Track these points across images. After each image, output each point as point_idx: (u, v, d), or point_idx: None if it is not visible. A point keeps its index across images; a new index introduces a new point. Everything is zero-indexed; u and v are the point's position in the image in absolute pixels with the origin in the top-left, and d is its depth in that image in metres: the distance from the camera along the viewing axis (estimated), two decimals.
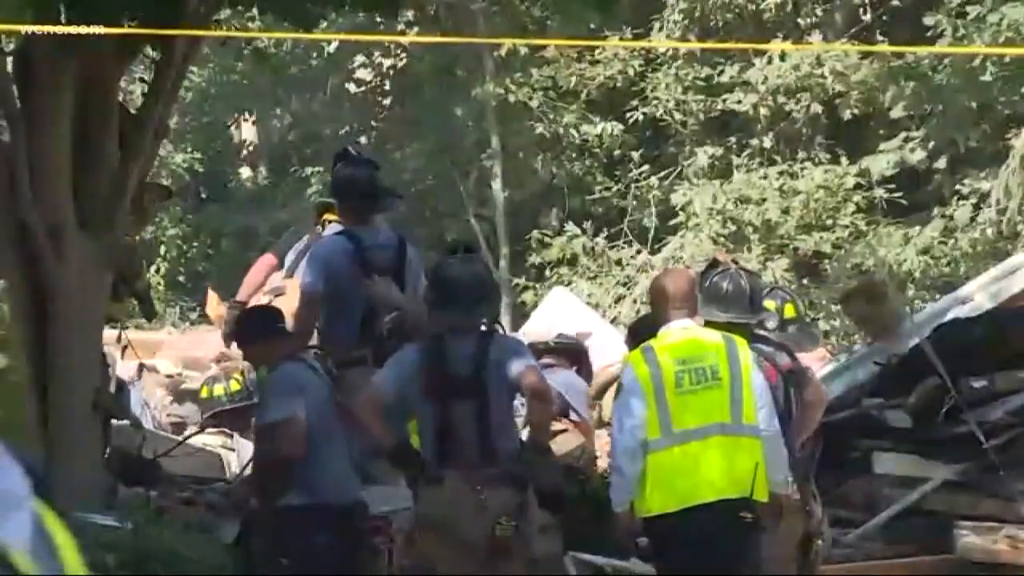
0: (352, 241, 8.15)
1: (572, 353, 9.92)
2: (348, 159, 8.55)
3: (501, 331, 7.29)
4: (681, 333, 7.11)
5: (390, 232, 8.54)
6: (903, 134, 20.00)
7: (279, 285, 9.22)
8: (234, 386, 10.24)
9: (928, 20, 19.04)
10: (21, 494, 1.95)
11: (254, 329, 7.62)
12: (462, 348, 6.92)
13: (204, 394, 10.42)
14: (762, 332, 7.71)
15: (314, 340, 8.27)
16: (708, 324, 7.31)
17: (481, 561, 6.81)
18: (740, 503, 6.88)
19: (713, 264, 7.67)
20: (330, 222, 8.95)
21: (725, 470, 6.90)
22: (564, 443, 8.92)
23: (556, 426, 8.99)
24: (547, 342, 9.94)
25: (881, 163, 19.87)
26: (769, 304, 7.95)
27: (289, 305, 8.79)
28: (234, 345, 8.21)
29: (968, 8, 18.75)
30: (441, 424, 6.88)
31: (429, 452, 6.92)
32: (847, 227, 19.50)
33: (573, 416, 9.38)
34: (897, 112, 19.87)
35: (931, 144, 19.74)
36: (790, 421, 7.29)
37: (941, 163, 19.90)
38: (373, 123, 25.41)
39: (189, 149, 24.63)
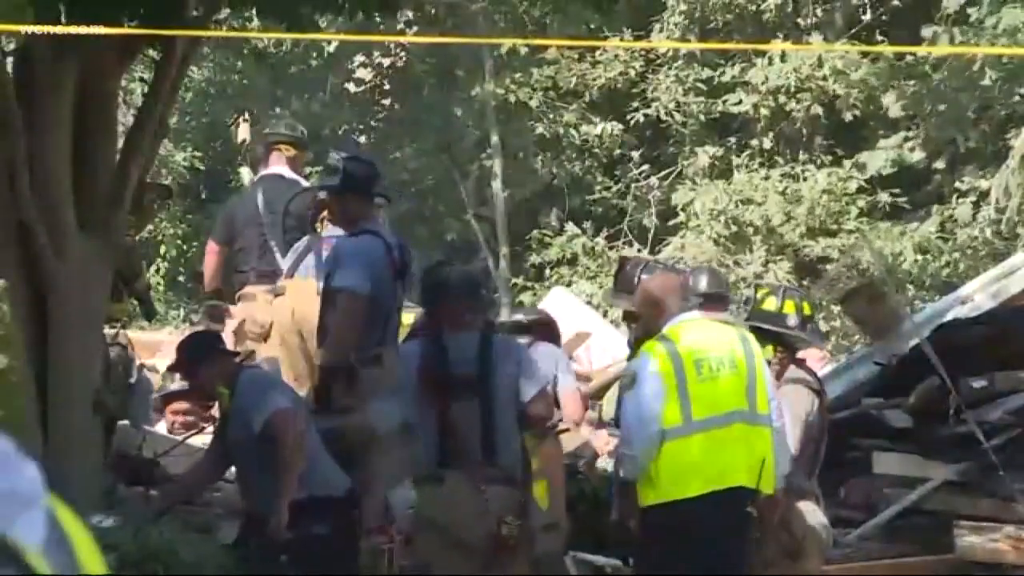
0: (384, 243, 8.05)
1: (543, 327, 9.86)
2: (352, 156, 8.52)
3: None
4: (695, 324, 7.13)
5: (392, 233, 8.53)
6: (902, 133, 20.01)
7: (279, 285, 9.20)
8: (158, 381, 10.37)
9: (925, 32, 19.08)
10: (34, 492, 1.93)
11: (197, 354, 7.54)
12: (464, 347, 6.93)
13: (161, 382, 10.60)
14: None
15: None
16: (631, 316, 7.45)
17: (484, 561, 6.81)
18: (750, 493, 6.90)
19: (624, 262, 7.76)
20: (328, 221, 8.90)
21: (745, 457, 6.92)
22: (567, 442, 8.92)
23: (558, 426, 9.00)
24: (519, 320, 9.98)
25: (878, 160, 19.87)
26: (790, 303, 8.01)
27: (292, 304, 8.78)
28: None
29: (968, 10, 18.76)
30: (442, 424, 6.88)
31: (430, 451, 6.92)
32: (852, 232, 19.48)
33: (561, 384, 9.31)
34: (895, 111, 19.87)
35: (930, 144, 19.75)
36: None
37: (940, 163, 19.90)
38: (373, 123, 25.40)
39: (189, 148, 24.60)
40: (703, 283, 7.61)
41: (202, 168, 24.78)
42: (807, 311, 8.10)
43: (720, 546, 6.89)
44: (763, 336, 7.79)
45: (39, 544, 1.87)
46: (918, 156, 19.85)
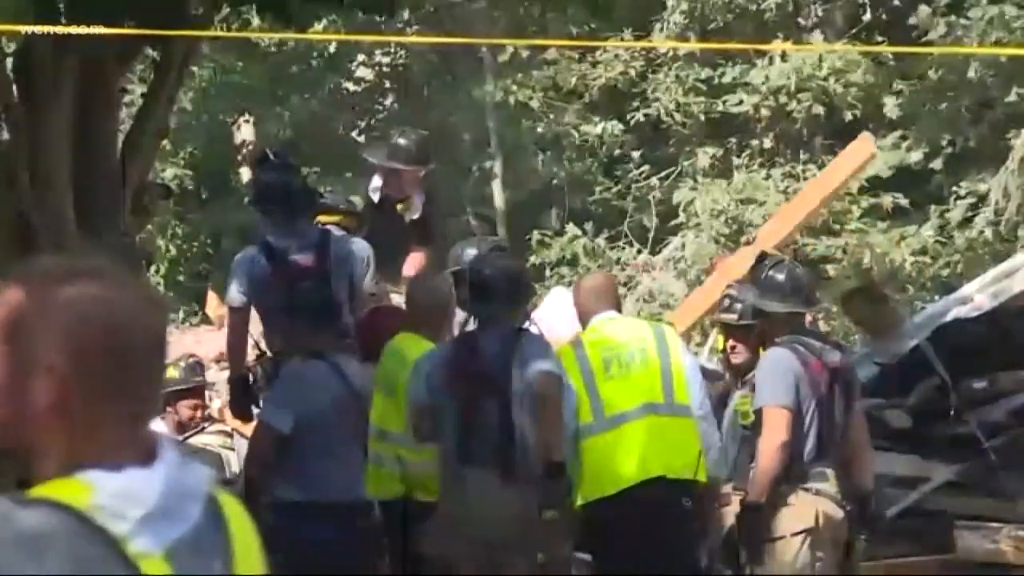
0: (265, 248, 8.10)
1: None
2: (267, 164, 8.41)
3: (534, 328, 7.30)
4: (608, 323, 7.26)
5: (315, 231, 8.39)
6: (898, 132, 20.01)
7: None
8: (170, 372, 10.40)
9: (912, 20, 19.07)
10: (181, 495, 1.94)
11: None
12: (491, 345, 6.92)
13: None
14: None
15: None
16: (760, 314, 7.37)
17: (495, 559, 6.81)
18: (680, 485, 6.92)
19: (762, 257, 7.70)
20: (323, 224, 8.88)
21: (662, 450, 6.97)
22: None
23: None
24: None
25: (878, 163, 19.85)
26: None
27: None
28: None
29: (969, 8, 18.76)
30: (465, 421, 6.87)
31: (450, 447, 6.91)
32: (854, 232, 19.46)
33: None
34: (894, 112, 19.88)
35: (928, 144, 19.74)
36: (835, 420, 7.22)
37: (938, 163, 19.89)
38: (373, 123, 25.40)
39: (181, 165, 24.61)
40: (756, 281, 7.58)
41: (191, 187, 24.79)
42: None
43: (651, 538, 6.90)
44: None
45: (164, 547, 1.88)
46: (916, 157, 19.84)
